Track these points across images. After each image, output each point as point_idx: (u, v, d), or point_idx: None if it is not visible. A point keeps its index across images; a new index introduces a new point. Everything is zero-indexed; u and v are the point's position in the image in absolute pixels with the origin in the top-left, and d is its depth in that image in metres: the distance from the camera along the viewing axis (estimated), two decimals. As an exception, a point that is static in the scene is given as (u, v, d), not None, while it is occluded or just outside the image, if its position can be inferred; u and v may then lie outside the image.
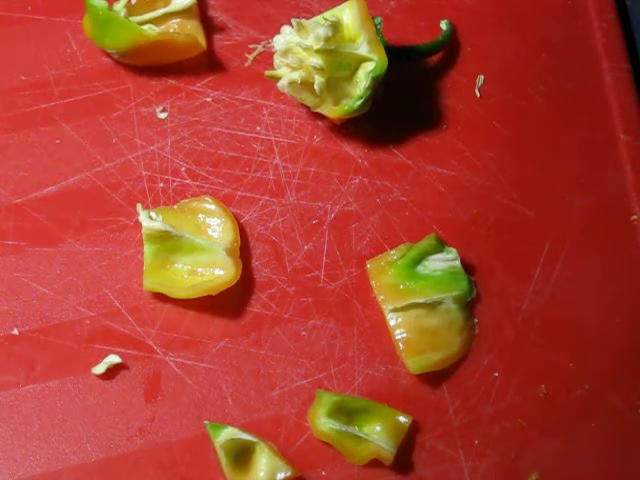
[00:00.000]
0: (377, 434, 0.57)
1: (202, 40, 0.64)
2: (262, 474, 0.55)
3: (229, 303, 0.60)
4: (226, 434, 0.56)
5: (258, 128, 0.64)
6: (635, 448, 0.60)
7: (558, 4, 0.68)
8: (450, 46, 0.67)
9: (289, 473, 0.55)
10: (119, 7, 0.63)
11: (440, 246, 0.61)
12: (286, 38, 0.59)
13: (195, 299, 0.59)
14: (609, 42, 0.67)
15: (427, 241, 0.61)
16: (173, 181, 0.63)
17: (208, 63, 0.65)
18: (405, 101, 0.65)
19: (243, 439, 0.56)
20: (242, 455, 0.56)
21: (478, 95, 0.66)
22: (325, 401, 0.57)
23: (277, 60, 0.61)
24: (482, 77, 0.66)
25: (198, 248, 0.59)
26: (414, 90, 0.66)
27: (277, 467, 0.55)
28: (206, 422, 0.57)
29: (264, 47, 0.66)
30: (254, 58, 0.66)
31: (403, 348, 0.59)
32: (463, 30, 0.67)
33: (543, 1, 0.68)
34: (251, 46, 0.66)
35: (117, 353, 0.59)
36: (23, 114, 0.64)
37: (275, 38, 0.60)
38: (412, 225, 0.63)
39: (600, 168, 0.65)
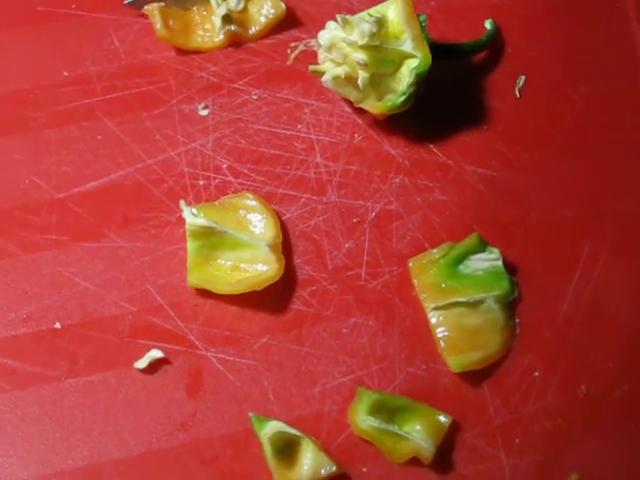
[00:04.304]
0: (417, 433, 0.57)
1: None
2: (306, 468, 0.55)
3: (271, 300, 0.60)
4: (272, 427, 0.56)
5: (299, 126, 0.64)
6: (676, 449, 0.60)
7: (599, 5, 0.68)
8: (491, 46, 0.67)
9: (334, 469, 0.55)
10: None
11: (482, 246, 0.61)
12: (331, 33, 0.60)
13: (237, 295, 0.59)
14: (649, 44, 0.67)
15: (469, 241, 0.61)
16: (215, 178, 0.63)
17: (250, 61, 0.66)
18: (446, 100, 0.65)
19: (289, 433, 0.56)
20: (286, 449, 0.56)
21: (518, 96, 0.66)
22: (365, 399, 0.57)
23: (321, 55, 0.61)
24: (523, 78, 0.66)
25: (241, 244, 0.59)
26: (455, 89, 0.66)
27: (322, 463, 0.55)
28: (251, 414, 0.57)
29: (305, 46, 0.66)
30: (296, 57, 0.66)
31: (444, 346, 0.59)
32: (504, 30, 0.67)
33: (584, 3, 0.68)
34: (292, 44, 0.66)
35: (159, 348, 0.59)
36: (66, 110, 0.64)
37: (320, 33, 0.60)
38: (453, 224, 0.63)
39: (640, 170, 0.65)
